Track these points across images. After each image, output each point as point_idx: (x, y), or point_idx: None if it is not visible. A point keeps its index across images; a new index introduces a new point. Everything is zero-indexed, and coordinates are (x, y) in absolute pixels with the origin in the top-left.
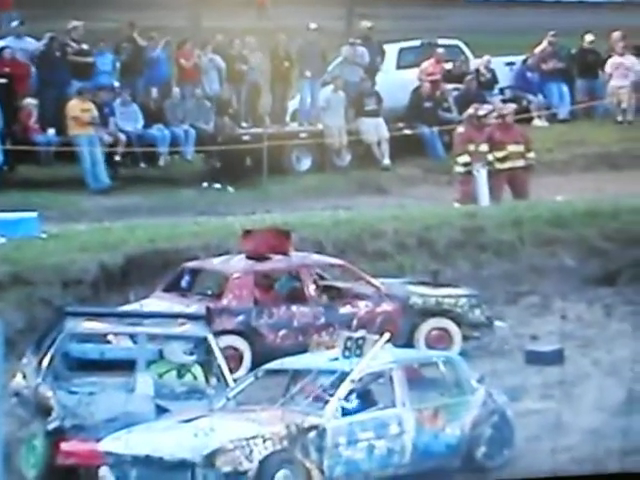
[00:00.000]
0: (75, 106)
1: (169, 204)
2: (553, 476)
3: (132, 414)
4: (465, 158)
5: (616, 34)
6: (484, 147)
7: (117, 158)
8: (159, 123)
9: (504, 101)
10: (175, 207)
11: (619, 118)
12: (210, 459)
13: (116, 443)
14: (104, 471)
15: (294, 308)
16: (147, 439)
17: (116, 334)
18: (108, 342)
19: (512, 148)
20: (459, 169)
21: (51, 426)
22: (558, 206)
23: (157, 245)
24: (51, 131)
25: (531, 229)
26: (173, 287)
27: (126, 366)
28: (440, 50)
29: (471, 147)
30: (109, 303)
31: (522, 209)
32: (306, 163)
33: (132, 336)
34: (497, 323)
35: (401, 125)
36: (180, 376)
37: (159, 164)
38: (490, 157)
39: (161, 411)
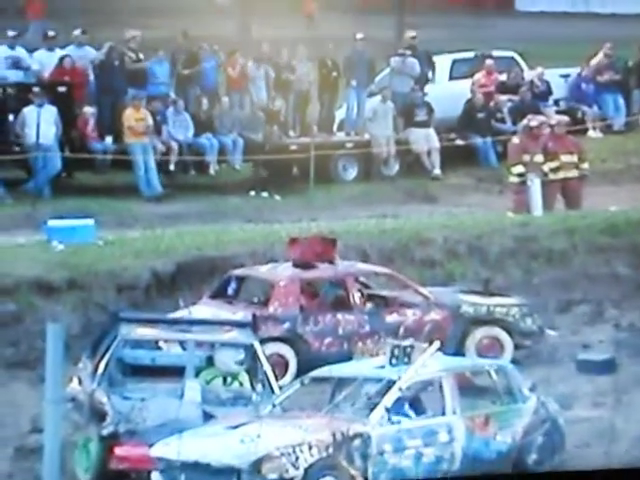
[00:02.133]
0: (130, 115)
1: (218, 211)
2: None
3: (181, 420)
4: (520, 168)
5: None
6: (539, 157)
7: (170, 166)
8: (208, 132)
9: (559, 112)
10: (223, 214)
11: None
12: (257, 466)
13: (167, 449)
14: (155, 476)
15: (339, 316)
16: (196, 445)
17: (166, 340)
18: (159, 348)
19: (565, 158)
20: (513, 179)
21: (106, 431)
22: (612, 215)
23: (205, 252)
24: (108, 139)
25: (584, 237)
26: (220, 294)
27: (176, 372)
28: (490, 62)
29: (526, 157)
30: (160, 308)
31: (575, 218)
32: (352, 172)
33: (181, 343)
34: (549, 332)
35: (453, 136)
36: (227, 383)
37: (209, 172)
38: (544, 167)
39: (208, 417)
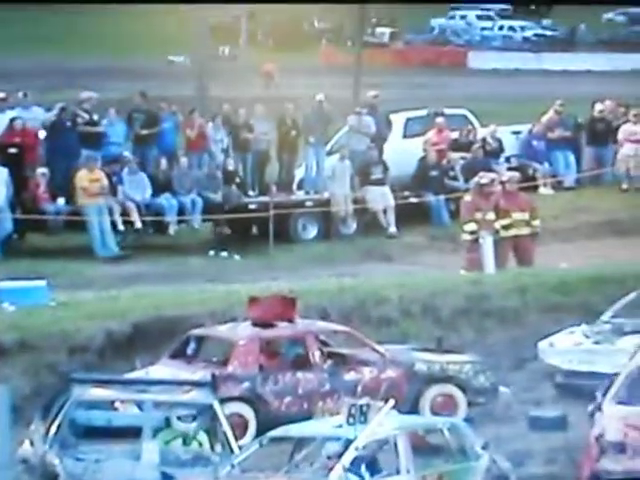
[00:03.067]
0: (84, 176)
1: (176, 272)
2: None
3: None
4: (472, 226)
5: (609, 103)
6: (490, 215)
7: (124, 227)
8: (167, 192)
9: (510, 169)
10: (182, 275)
11: (624, 186)
12: None
13: None
14: None
15: (299, 375)
16: None
17: (122, 401)
18: (115, 409)
19: (517, 216)
20: (466, 237)
21: None
22: (563, 273)
23: (163, 313)
24: (60, 200)
25: (536, 296)
26: (179, 354)
27: (132, 433)
28: (440, 120)
29: (478, 215)
30: (115, 370)
31: (527, 276)
32: (312, 231)
33: (138, 403)
34: (501, 389)
35: (407, 193)
36: (186, 443)
37: (168, 232)
38: (496, 225)
39: (167, 479)
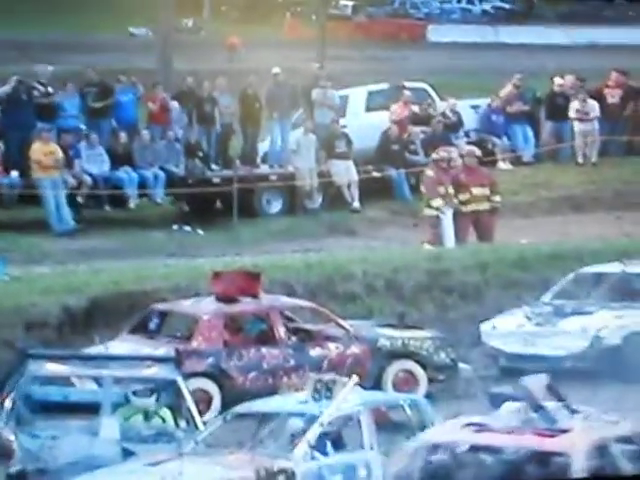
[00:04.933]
0: (38, 149)
1: (137, 247)
2: None
3: (97, 458)
4: (438, 202)
5: (569, 77)
6: (451, 190)
7: (81, 200)
8: (127, 165)
9: (470, 144)
10: (143, 250)
11: (580, 160)
12: None
13: None
14: None
15: (264, 350)
16: None
17: (80, 377)
18: (72, 385)
19: (477, 191)
20: (429, 212)
21: (13, 470)
22: (522, 249)
23: (123, 287)
24: (14, 173)
25: (496, 272)
26: (140, 329)
27: (91, 409)
28: (407, 93)
29: (440, 190)
30: (73, 346)
31: (487, 252)
32: (277, 205)
33: (97, 379)
34: (462, 365)
35: (370, 167)
36: (147, 419)
37: (128, 206)
38: (456, 200)
39: (128, 454)
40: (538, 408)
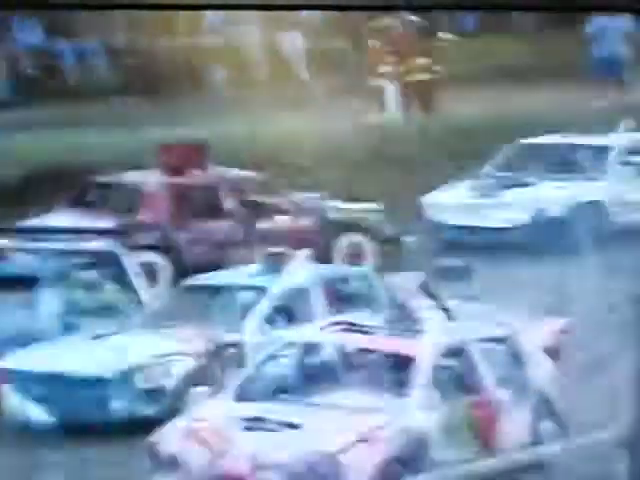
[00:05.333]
0: None
1: (76, 119)
2: None
3: (36, 332)
4: (382, 68)
5: None
6: (393, 60)
7: (15, 72)
8: (64, 36)
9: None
10: (83, 122)
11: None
12: (126, 375)
13: (19, 360)
14: (6, 389)
15: (211, 223)
16: (55, 356)
17: (17, 250)
18: (5, 258)
19: (418, 61)
20: (373, 82)
21: None
22: (465, 119)
23: (60, 159)
24: None
25: (438, 142)
26: (79, 202)
27: (29, 284)
28: None
29: (383, 60)
30: (7, 219)
31: (430, 122)
32: (222, 76)
33: (35, 252)
34: (406, 238)
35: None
36: (90, 292)
37: (66, 78)
38: (399, 70)
39: (70, 328)
40: (400, 307)
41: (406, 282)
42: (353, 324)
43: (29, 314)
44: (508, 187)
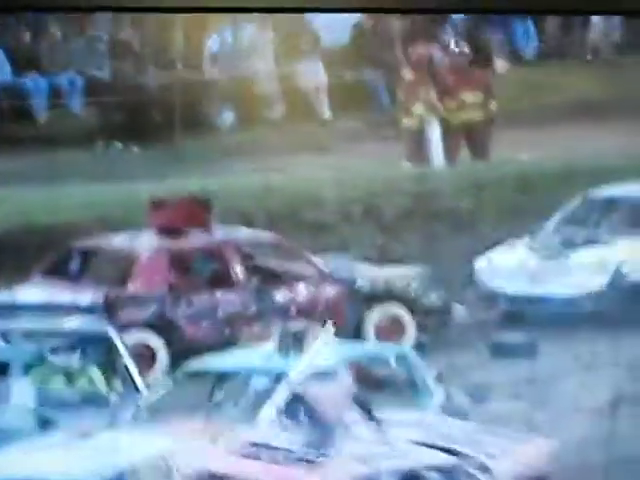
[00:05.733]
0: None
1: (51, 170)
2: None
3: (7, 430)
4: (419, 108)
5: None
6: (434, 96)
7: None
8: (33, 70)
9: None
10: (59, 173)
11: (589, 57)
12: None
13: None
14: None
15: (218, 295)
16: (29, 460)
17: None
18: None
19: (467, 97)
20: (409, 122)
21: None
22: (524, 167)
23: (33, 220)
24: None
25: (492, 195)
26: (58, 272)
27: None
28: None
29: (422, 95)
30: None
31: (481, 171)
32: (229, 117)
33: (2, 334)
34: (455, 309)
35: (341, 69)
36: (71, 381)
37: (36, 120)
38: (443, 109)
39: (47, 424)
40: (322, 427)
41: (335, 394)
42: (266, 446)
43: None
44: (577, 246)
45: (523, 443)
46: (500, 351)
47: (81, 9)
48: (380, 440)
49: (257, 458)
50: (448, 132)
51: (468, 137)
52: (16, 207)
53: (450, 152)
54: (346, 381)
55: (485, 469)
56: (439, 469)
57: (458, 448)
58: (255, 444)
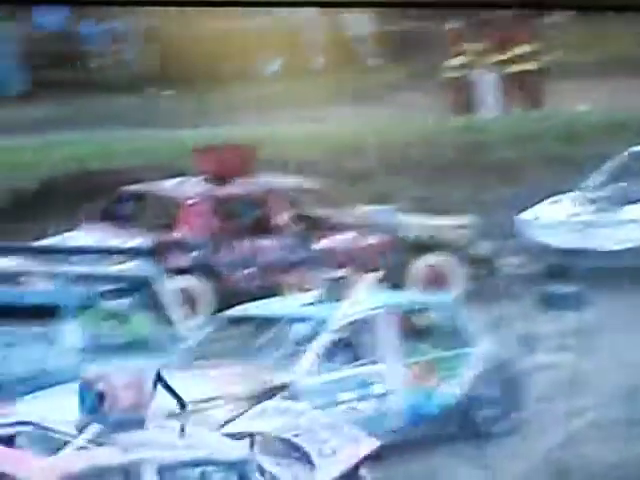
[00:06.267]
0: None
1: (100, 115)
2: None
3: (56, 371)
4: (461, 59)
5: None
6: (487, 47)
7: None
8: (88, 18)
9: None
10: (109, 119)
11: None
12: None
13: (37, 406)
14: (21, 440)
15: (261, 242)
16: (74, 402)
17: (34, 274)
18: (23, 284)
19: (520, 48)
20: (453, 73)
21: None
22: (575, 118)
23: (85, 165)
24: None
25: (541, 146)
26: (109, 216)
27: (48, 314)
28: None
29: (470, 46)
30: (24, 237)
31: (531, 121)
32: (274, 66)
33: (55, 277)
34: (502, 259)
35: (386, 19)
36: (119, 325)
37: (89, 66)
38: (494, 59)
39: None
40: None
41: (122, 375)
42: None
43: (49, 350)
44: (626, 201)
45: (353, 442)
46: (548, 302)
47: None
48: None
49: None
50: (499, 82)
51: (520, 87)
52: (71, 152)
53: (501, 103)
54: (387, 328)
55: (311, 465)
56: (223, 463)
57: (297, 441)
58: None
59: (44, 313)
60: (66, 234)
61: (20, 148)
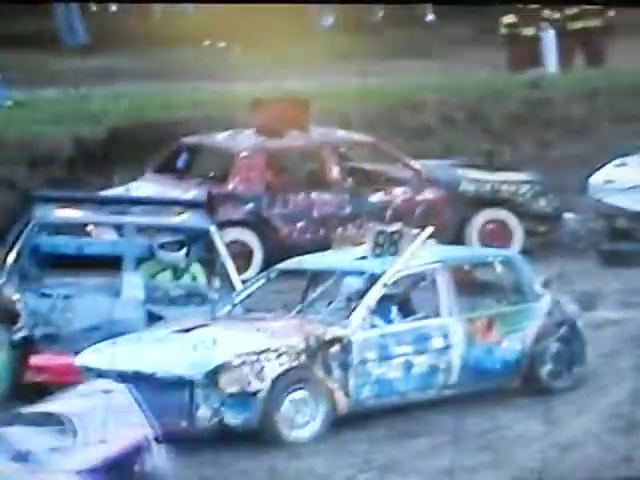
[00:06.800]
0: None
1: (162, 67)
2: None
3: (117, 322)
4: (526, 16)
5: None
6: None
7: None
8: None
9: None
10: (169, 71)
11: None
12: (212, 377)
13: (98, 356)
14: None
15: (314, 195)
16: (136, 352)
17: (97, 224)
18: (87, 234)
19: (584, 4)
20: (517, 30)
21: (18, 336)
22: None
23: (146, 116)
24: None
25: (608, 102)
26: (167, 168)
27: (110, 264)
28: None
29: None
30: (88, 187)
31: (597, 78)
32: (329, 19)
33: (118, 227)
34: (566, 215)
35: None
36: (176, 277)
37: (150, 17)
38: (559, 15)
39: (153, 319)
40: None
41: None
42: None
43: (111, 301)
44: None
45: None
46: (610, 260)
47: None
48: None
49: None
50: (563, 39)
51: (584, 44)
52: (133, 103)
53: (564, 59)
54: (446, 283)
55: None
56: None
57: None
58: None
59: (107, 264)
60: (130, 184)
61: (86, 98)
